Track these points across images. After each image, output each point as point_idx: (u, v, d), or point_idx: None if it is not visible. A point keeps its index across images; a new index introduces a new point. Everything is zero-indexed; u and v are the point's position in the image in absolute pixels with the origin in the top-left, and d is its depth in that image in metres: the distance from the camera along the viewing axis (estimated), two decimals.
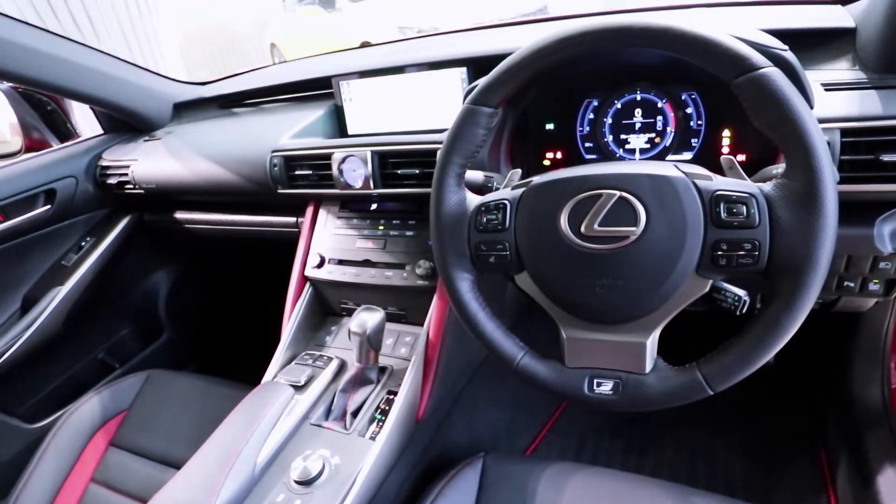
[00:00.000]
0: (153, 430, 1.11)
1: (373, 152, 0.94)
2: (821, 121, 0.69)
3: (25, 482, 1.03)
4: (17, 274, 1.25)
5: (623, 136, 0.90)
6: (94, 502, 1.03)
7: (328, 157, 0.97)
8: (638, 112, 0.89)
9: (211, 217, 1.28)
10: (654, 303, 0.60)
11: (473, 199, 0.68)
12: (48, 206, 1.25)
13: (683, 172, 0.59)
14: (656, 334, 0.61)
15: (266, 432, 0.81)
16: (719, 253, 0.56)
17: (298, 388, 0.90)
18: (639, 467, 1.20)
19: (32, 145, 1.33)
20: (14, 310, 1.25)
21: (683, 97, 0.85)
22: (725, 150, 0.85)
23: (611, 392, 0.62)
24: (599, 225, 0.60)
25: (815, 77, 0.76)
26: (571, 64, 0.68)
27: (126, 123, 1.37)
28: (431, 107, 1.04)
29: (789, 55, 0.70)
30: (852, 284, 0.80)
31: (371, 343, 0.86)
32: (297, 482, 0.75)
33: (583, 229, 0.60)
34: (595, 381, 0.63)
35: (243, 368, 1.18)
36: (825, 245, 0.52)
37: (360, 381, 0.89)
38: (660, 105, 0.87)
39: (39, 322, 1.23)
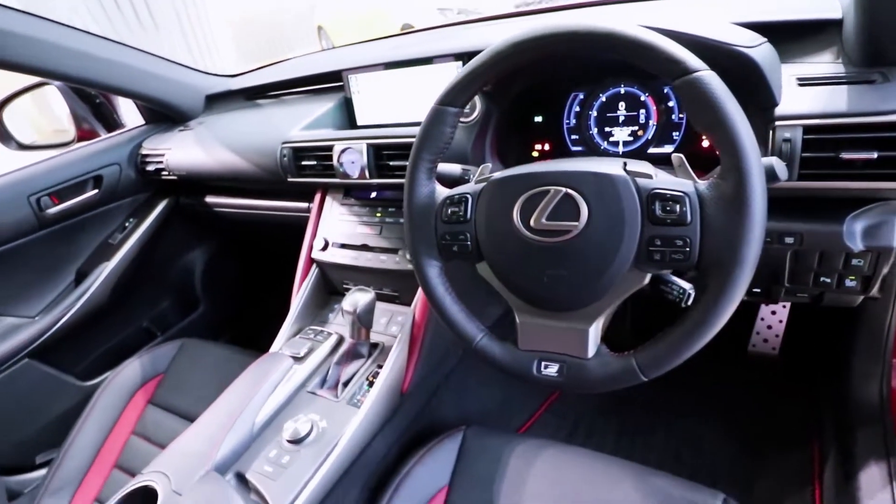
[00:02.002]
0: (185, 392, 1.24)
1: (368, 145, 1.01)
2: (785, 117, 0.70)
3: (77, 432, 1.18)
4: (71, 250, 1.41)
5: (608, 129, 0.93)
6: (134, 451, 1.17)
7: (330, 148, 1.05)
8: (622, 105, 0.91)
9: (236, 201, 1.40)
10: (596, 293, 0.64)
11: (442, 192, 0.74)
12: (96, 191, 1.40)
13: (627, 171, 0.62)
14: (599, 323, 0.65)
15: (265, 397, 0.91)
16: (654, 248, 0.59)
17: (298, 360, 1.00)
18: (630, 450, 1.24)
19: (83, 135, 1.48)
20: (69, 282, 1.41)
21: (665, 91, 0.87)
22: (705, 143, 0.86)
23: (556, 374, 0.67)
24: (546, 219, 0.64)
25: (793, 71, 0.76)
26: (542, 62, 0.71)
27: (164, 114, 1.50)
28: (429, 99, 1.08)
29: (754, 52, 0.71)
30: (829, 280, 0.80)
31: (361, 321, 0.94)
32: (288, 441, 0.85)
33: (532, 223, 0.64)
34: (543, 363, 0.68)
35: (270, 340, 1.30)
36: (751, 245, 0.54)
37: (352, 355, 0.98)
38: (643, 98, 0.89)
39: (90, 293, 1.39)
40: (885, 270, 0.75)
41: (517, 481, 0.84)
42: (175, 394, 1.25)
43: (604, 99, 0.92)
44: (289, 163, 1.12)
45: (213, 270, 1.71)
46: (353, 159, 1.03)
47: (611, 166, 0.64)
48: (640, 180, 0.61)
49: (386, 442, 0.96)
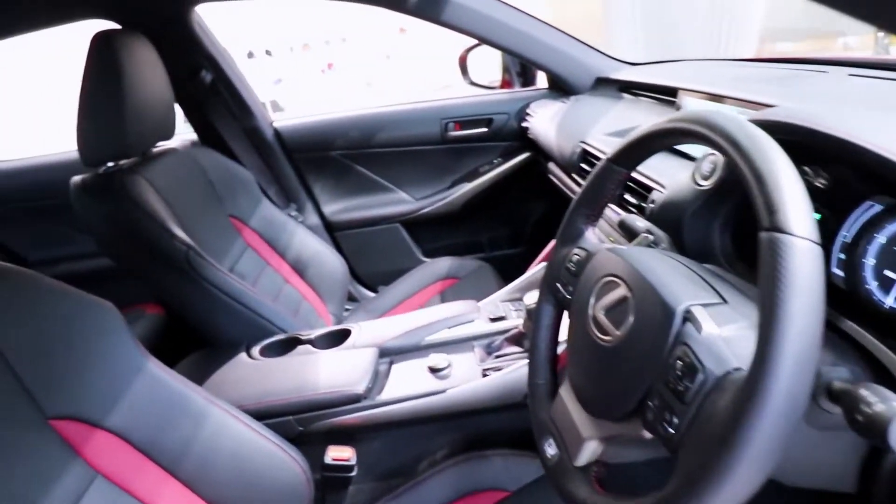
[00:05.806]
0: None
1: None
2: None
3: (395, 284, 1.72)
4: (453, 165, 1.88)
5: (890, 273, 0.63)
6: None
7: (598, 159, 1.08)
8: None
9: (557, 174, 1.55)
10: (601, 416, 0.58)
11: (586, 239, 0.73)
12: (485, 129, 1.82)
13: (687, 309, 0.51)
14: (598, 444, 0.59)
15: (442, 327, 1.15)
16: (650, 403, 0.50)
17: (491, 319, 1.17)
18: None
19: (504, 85, 1.89)
20: (445, 186, 1.92)
21: None
22: None
23: (549, 458, 0.65)
24: (603, 313, 0.60)
25: None
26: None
27: (559, 85, 1.73)
28: None
29: None
30: None
31: (531, 317, 1.03)
32: (428, 367, 1.07)
33: (597, 308, 0.61)
34: (549, 439, 0.66)
35: None
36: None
37: (515, 340, 1.09)
38: None
39: (450, 198, 1.87)
40: None
41: None
42: (452, 297, 1.63)
43: None
44: (576, 160, 1.20)
45: (541, 223, 1.96)
46: None
47: (686, 292, 0.53)
48: (686, 326, 0.50)
49: (499, 425, 1.06)
